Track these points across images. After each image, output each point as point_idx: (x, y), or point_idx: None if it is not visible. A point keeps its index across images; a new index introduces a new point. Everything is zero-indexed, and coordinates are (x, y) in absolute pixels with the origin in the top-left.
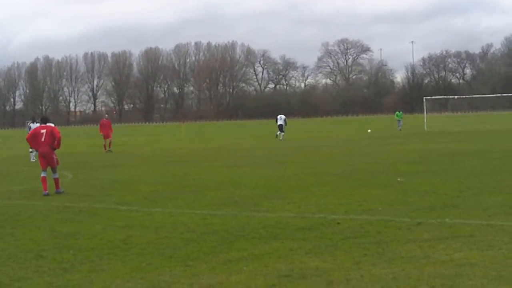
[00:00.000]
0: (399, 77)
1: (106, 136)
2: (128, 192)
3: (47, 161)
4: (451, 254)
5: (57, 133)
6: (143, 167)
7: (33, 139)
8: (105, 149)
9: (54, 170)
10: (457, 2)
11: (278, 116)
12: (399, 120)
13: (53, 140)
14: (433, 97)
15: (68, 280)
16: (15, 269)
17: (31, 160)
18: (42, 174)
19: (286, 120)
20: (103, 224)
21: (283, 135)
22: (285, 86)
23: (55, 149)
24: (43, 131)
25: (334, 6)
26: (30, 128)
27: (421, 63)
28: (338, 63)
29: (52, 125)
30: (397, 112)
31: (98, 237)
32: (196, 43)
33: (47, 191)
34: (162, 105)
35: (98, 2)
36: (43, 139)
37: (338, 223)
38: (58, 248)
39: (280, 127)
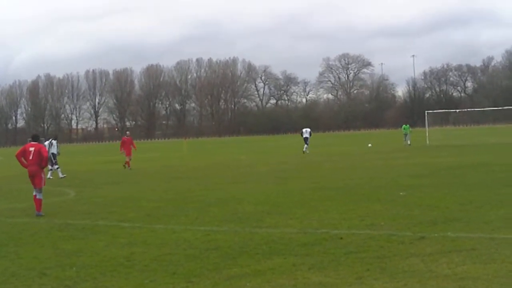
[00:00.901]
0: (401, 91)
1: (127, 154)
2: (130, 209)
3: (35, 180)
4: (453, 268)
5: (44, 151)
6: (146, 184)
7: (23, 155)
8: (127, 166)
9: (38, 190)
10: (457, 16)
11: (304, 130)
12: (406, 134)
13: (41, 159)
14: (435, 110)
15: None
16: (18, 287)
17: (60, 176)
18: (34, 193)
19: (311, 132)
20: (106, 241)
21: (307, 148)
22: (286, 102)
23: (43, 167)
24: (32, 149)
25: (334, 21)
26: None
27: (422, 77)
28: (339, 78)
29: (56, 140)
30: (404, 126)
31: (101, 254)
32: (197, 60)
33: (39, 212)
34: (164, 122)
35: (99, 20)
36: (31, 157)
37: (341, 238)
38: (61, 265)
39: (306, 140)
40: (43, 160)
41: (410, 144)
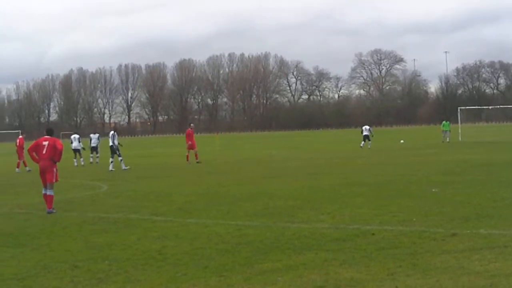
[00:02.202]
0: (433, 87)
1: (192, 147)
2: (162, 203)
3: (46, 175)
4: (486, 265)
5: (59, 145)
6: (178, 178)
7: (35, 150)
8: (196, 158)
9: (49, 186)
10: (489, 12)
11: (363, 127)
12: (445, 131)
13: (54, 153)
14: (467, 107)
15: None
16: (50, 279)
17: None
18: (43, 191)
19: (372, 130)
20: (138, 235)
21: (370, 143)
22: (318, 97)
23: (55, 162)
24: (45, 143)
25: (366, 17)
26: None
27: (455, 73)
28: (371, 73)
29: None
30: (444, 122)
31: (133, 248)
32: (229, 55)
33: (50, 209)
34: (196, 117)
35: (132, 15)
36: (44, 152)
37: (373, 234)
38: (93, 258)
39: (366, 137)
40: (56, 154)
41: (449, 141)
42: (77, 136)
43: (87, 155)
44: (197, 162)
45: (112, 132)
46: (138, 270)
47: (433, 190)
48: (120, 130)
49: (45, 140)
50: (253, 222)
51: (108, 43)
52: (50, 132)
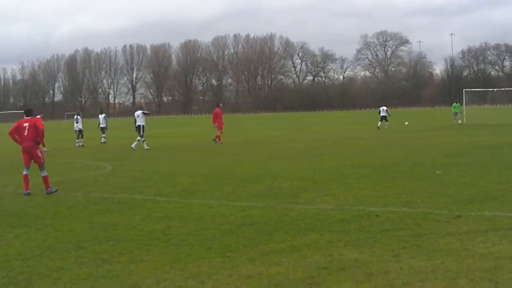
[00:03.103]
0: (438, 69)
1: (219, 127)
2: (167, 183)
3: (31, 157)
4: (490, 247)
5: (40, 125)
6: (182, 159)
7: (16, 133)
8: (218, 140)
9: (40, 167)
10: None
11: (381, 108)
12: (456, 112)
13: (37, 134)
14: (472, 89)
15: (107, 270)
16: (54, 259)
17: (145, 148)
18: (24, 172)
19: (388, 110)
20: (143, 215)
21: (387, 124)
22: (323, 79)
23: (39, 143)
24: (26, 124)
25: None
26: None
27: (460, 56)
28: (377, 55)
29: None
30: (454, 104)
31: (137, 228)
32: (234, 35)
33: (28, 190)
34: (200, 97)
35: None
36: (26, 133)
37: (377, 215)
38: (97, 239)
39: (384, 118)
40: (39, 135)
41: (461, 124)
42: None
43: (97, 136)
44: (214, 140)
45: (140, 111)
46: (142, 250)
47: (438, 172)
48: (125, 111)
49: (25, 122)
50: (257, 203)
51: (114, 24)
52: (29, 113)
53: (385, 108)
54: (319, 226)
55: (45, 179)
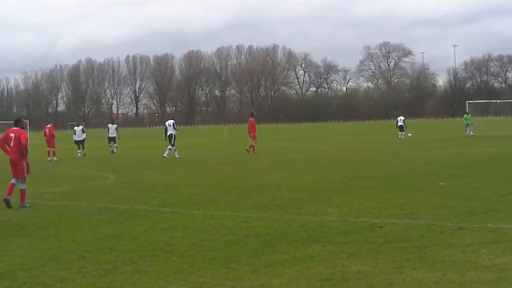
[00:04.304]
0: (441, 81)
1: (254, 137)
2: (170, 194)
3: (18, 170)
4: (493, 259)
5: (24, 139)
6: (185, 170)
7: (6, 143)
8: (251, 150)
9: (21, 180)
10: (497, 6)
11: (398, 118)
12: (468, 124)
13: (20, 147)
14: (475, 101)
15: (110, 281)
16: (57, 270)
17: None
18: (12, 181)
19: (405, 120)
20: (146, 226)
21: (404, 134)
22: (326, 90)
23: (24, 155)
24: (12, 135)
25: (374, 10)
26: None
27: (463, 67)
28: (379, 66)
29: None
30: (465, 116)
31: (140, 239)
32: (237, 46)
33: (8, 197)
34: (203, 108)
35: (141, 6)
36: (12, 144)
37: (381, 227)
38: (100, 249)
39: (401, 128)
40: (22, 148)
41: (473, 135)
42: (80, 127)
43: (103, 146)
44: (250, 151)
45: (172, 121)
46: (146, 261)
47: (441, 183)
48: (128, 121)
49: (12, 132)
50: (260, 214)
51: (117, 34)
52: (17, 123)
53: (402, 118)
54: (322, 237)
55: (22, 192)
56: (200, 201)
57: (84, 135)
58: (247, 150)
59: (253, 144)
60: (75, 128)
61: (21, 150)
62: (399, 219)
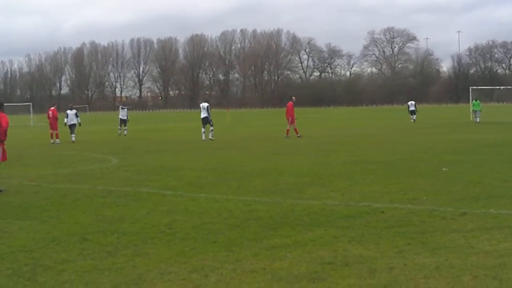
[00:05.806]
0: (445, 66)
1: (292, 121)
2: (172, 177)
3: None
4: (495, 244)
5: (4, 122)
6: (188, 153)
7: None
8: (291, 132)
9: None
10: None
11: (409, 103)
12: (475, 111)
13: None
14: (479, 87)
15: (111, 263)
16: (59, 251)
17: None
18: None
19: (415, 104)
20: (148, 209)
21: (414, 118)
22: (330, 74)
23: (2, 140)
24: None
25: None
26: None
27: (467, 53)
28: (384, 51)
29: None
30: (474, 102)
31: (142, 221)
32: (241, 30)
33: None
34: (207, 92)
35: None
36: None
37: (382, 212)
38: (102, 231)
39: (412, 112)
40: (1, 132)
41: (479, 122)
42: (74, 111)
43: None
44: (298, 137)
45: (206, 104)
46: (147, 243)
47: (444, 169)
48: (131, 104)
49: None
50: (262, 198)
51: (121, 17)
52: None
53: (413, 102)
54: (324, 221)
55: None
56: (203, 185)
57: (76, 120)
58: (287, 136)
59: (289, 128)
60: (68, 111)
61: (0, 134)
62: (401, 204)
